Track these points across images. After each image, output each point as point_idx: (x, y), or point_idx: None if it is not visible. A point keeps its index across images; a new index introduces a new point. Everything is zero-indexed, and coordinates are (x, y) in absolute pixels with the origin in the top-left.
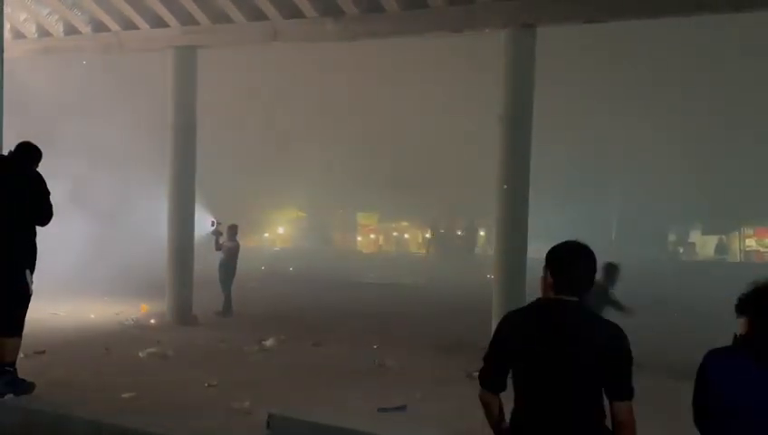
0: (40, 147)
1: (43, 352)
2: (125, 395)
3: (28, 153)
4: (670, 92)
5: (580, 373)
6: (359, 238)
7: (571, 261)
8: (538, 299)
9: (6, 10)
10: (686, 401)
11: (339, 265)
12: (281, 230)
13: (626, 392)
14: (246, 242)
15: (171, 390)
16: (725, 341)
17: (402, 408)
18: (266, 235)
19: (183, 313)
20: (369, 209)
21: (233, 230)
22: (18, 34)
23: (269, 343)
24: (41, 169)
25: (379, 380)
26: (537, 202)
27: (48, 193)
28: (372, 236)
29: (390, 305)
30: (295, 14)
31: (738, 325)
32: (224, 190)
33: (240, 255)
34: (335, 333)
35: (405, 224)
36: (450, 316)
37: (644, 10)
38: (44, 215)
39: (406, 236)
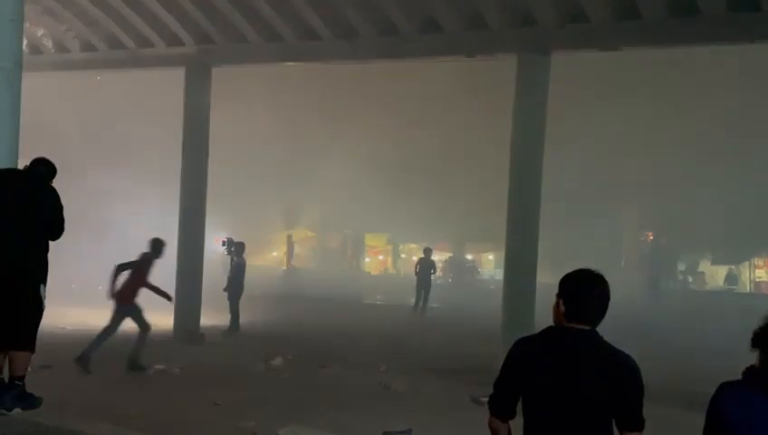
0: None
1: (50, 366)
2: (131, 412)
3: (43, 168)
4: (683, 120)
5: (591, 403)
6: (366, 260)
7: (584, 290)
8: (550, 327)
9: (24, 25)
10: (695, 431)
11: (346, 286)
12: None
13: (637, 423)
14: (255, 260)
15: (177, 408)
16: (735, 371)
17: (407, 432)
18: (275, 253)
19: (190, 330)
20: (378, 231)
21: (239, 248)
22: (35, 50)
23: (276, 362)
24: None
25: (385, 402)
26: (546, 228)
27: (62, 208)
28: (380, 257)
29: (397, 328)
30: (310, 34)
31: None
32: (233, 209)
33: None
34: (342, 353)
35: (413, 246)
36: (458, 340)
37: (658, 39)
38: (57, 230)
39: (414, 258)
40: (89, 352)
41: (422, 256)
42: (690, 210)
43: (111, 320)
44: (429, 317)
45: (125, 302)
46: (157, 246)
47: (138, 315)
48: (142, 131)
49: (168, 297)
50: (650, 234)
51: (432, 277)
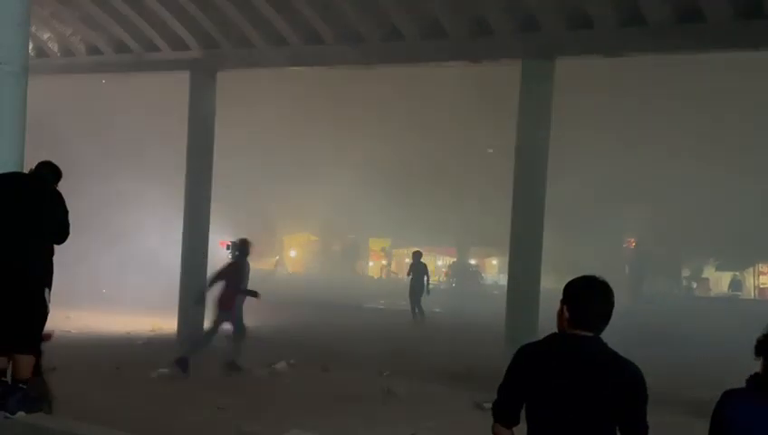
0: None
1: (54, 369)
2: (134, 416)
3: (48, 171)
4: (686, 126)
5: (596, 410)
6: (370, 264)
7: (588, 296)
8: (554, 333)
9: (30, 29)
10: None
11: (349, 290)
12: (293, 254)
13: (641, 430)
14: (259, 265)
15: (180, 411)
16: (740, 378)
17: None
18: (278, 258)
19: (194, 333)
20: (382, 235)
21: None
22: (41, 53)
23: (279, 366)
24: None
25: (388, 407)
26: (550, 233)
27: (66, 211)
28: (384, 262)
29: (400, 332)
30: (315, 39)
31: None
32: (238, 212)
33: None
34: (345, 358)
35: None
36: (461, 345)
37: (663, 46)
38: (62, 233)
39: None
40: (190, 352)
41: (412, 260)
42: (694, 216)
43: (213, 323)
44: (433, 322)
45: (224, 308)
46: (242, 248)
47: (236, 320)
48: (148, 134)
49: (255, 294)
50: (632, 240)
51: (427, 284)
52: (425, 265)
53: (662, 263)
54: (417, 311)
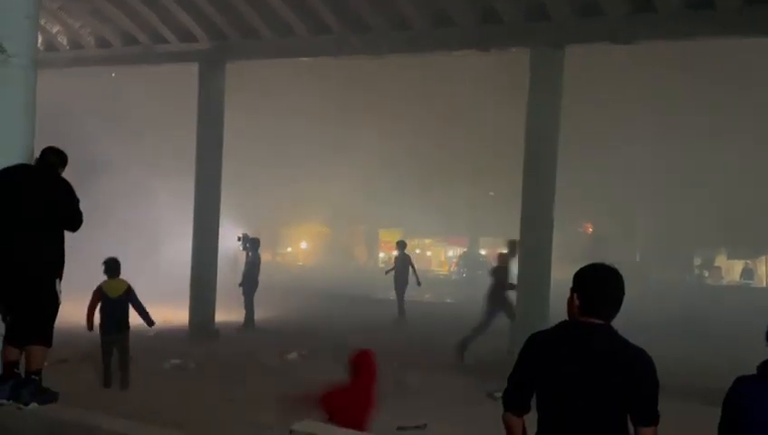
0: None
1: (66, 360)
2: (147, 407)
3: (55, 158)
4: (699, 115)
5: (607, 398)
6: (381, 255)
7: (598, 284)
8: (565, 321)
9: (40, 22)
10: (710, 425)
11: (360, 282)
12: (304, 245)
13: (652, 418)
14: (270, 256)
15: (193, 403)
16: (751, 366)
17: (422, 427)
18: (289, 249)
19: (205, 325)
20: (392, 226)
21: (254, 244)
22: (50, 47)
23: (290, 357)
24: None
25: (400, 398)
26: (561, 222)
27: (76, 198)
28: (394, 253)
29: (411, 323)
30: (322, 29)
31: None
32: (248, 203)
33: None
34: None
35: (428, 241)
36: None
37: (672, 33)
38: (75, 221)
39: (428, 253)
40: (467, 342)
41: (395, 251)
42: (706, 205)
43: (486, 315)
44: (444, 312)
45: (495, 301)
46: (512, 248)
47: (509, 309)
48: (160, 127)
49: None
50: (589, 225)
51: (415, 276)
52: (409, 257)
53: (670, 251)
54: (400, 308)
